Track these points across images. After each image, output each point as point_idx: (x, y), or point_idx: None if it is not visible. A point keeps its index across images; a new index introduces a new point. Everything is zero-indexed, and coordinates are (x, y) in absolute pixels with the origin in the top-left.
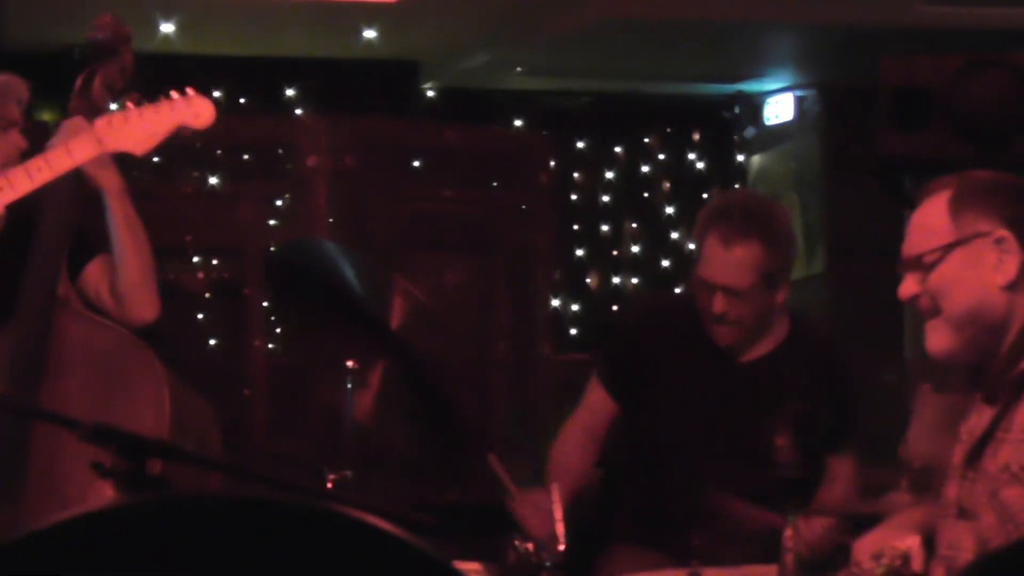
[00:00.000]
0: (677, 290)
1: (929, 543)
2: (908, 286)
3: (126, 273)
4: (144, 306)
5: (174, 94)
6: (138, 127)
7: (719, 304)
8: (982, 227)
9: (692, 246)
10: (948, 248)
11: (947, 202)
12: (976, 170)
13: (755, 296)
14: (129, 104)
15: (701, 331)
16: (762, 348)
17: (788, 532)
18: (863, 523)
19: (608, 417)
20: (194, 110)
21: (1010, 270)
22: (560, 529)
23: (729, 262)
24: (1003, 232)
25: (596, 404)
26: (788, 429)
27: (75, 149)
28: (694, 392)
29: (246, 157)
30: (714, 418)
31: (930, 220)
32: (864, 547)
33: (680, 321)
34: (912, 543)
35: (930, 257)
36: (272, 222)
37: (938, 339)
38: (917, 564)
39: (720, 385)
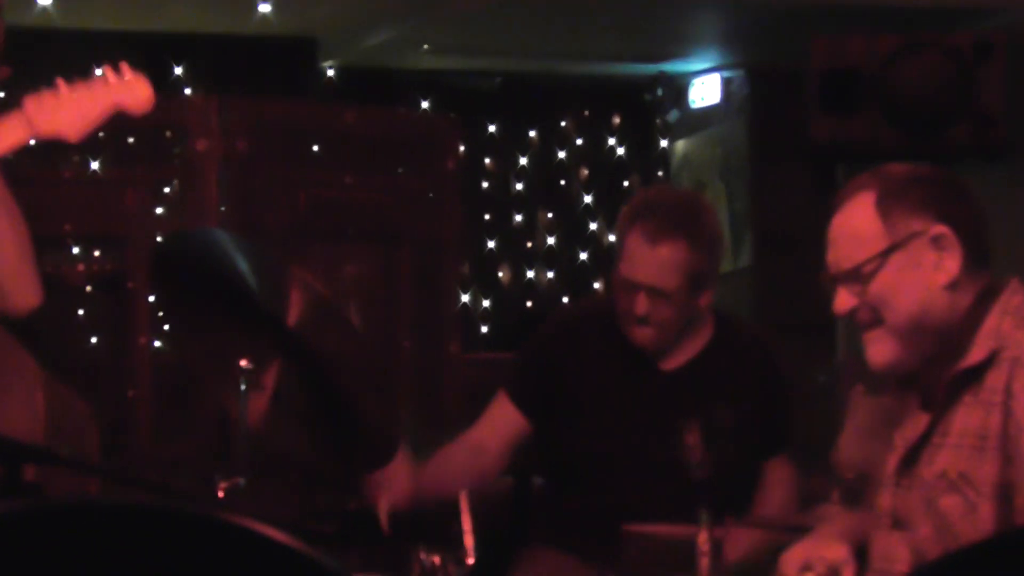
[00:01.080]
0: (596, 291)
1: (861, 555)
2: (844, 300)
3: (4, 257)
4: (26, 291)
5: (108, 72)
6: (71, 109)
7: (642, 305)
8: (915, 226)
9: (613, 239)
10: (885, 255)
11: (873, 204)
12: (893, 164)
13: (680, 298)
14: (59, 81)
15: (622, 338)
16: (685, 353)
17: (703, 536)
18: (791, 535)
19: (511, 435)
20: (132, 92)
21: (951, 267)
22: (469, 541)
23: (654, 261)
24: (939, 228)
25: (499, 421)
26: (696, 426)
27: (3, 134)
28: (615, 402)
29: (131, 140)
30: (637, 428)
31: (858, 226)
32: (792, 559)
33: (598, 329)
34: (843, 554)
35: (868, 267)
36: (159, 210)
37: (882, 350)
38: None
39: (642, 394)
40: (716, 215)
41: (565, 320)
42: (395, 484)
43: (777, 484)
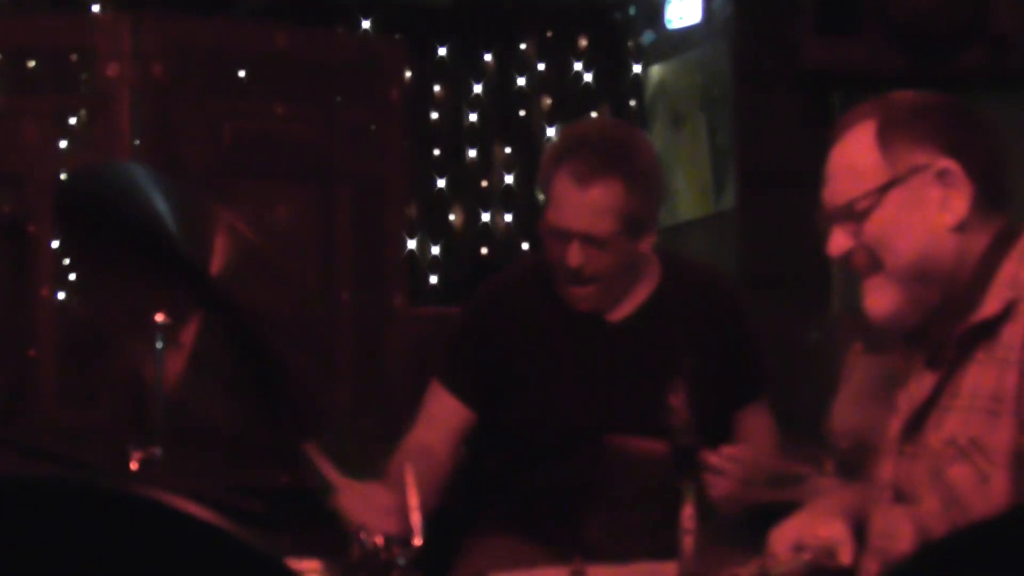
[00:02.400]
0: (524, 252)
1: (860, 532)
2: (839, 241)
3: None
4: None
5: None
6: None
7: (575, 256)
8: (919, 159)
9: (540, 192)
10: (883, 190)
11: (873, 134)
12: (898, 91)
13: (617, 245)
14: None
15: (559, 296)
16: (631, 302)
17: (687, 511)
18: (780, 511)
19: (457, 430)
20: None
21: (959, 207)
22: (416, 520)
23: (585, 204)
24: (946, 162)
25: (440, 416)
26: (683, 386)
27: None
28: (560, 366)
29: (31, 64)
30: (590, 391)
31: (856, 159)
32: (783, 537)
33: (531, 290)
34: (839, 531)
35: (862, 204)
36: (63, 144)
37: (880, 299)
38: (846, 556)
39: (589, 352)
40: (653, 149)
41: (491, 291)
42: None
43: (755, 434)
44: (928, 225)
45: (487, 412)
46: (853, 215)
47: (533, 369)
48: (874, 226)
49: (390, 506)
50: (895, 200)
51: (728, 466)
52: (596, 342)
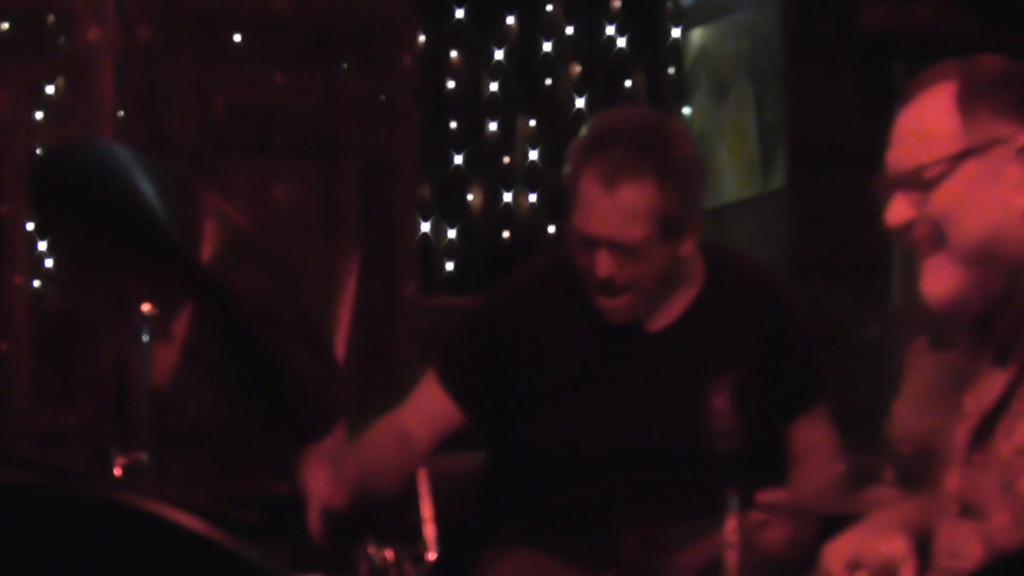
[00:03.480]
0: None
1: (923, 549)
2: (901, 209)
3: None
4: None
5: None
6: None
7: (604, 265)
8: (1002, 131)
9: (566, 189)
10: (957, 158)
11: (953, 97)
12: (985, 55)
13: (651, 252)
14: None
15: (590, 304)
16: (672, 310)
17: (731, 524)
18: (837, 524)
19: (442, 427)
20: None
21: None
22: (430, 532)
23: (613, 208)
24: None
25: (426, 408)
26: (727, 388)
27: None
28: (593, 381)
29: (3, 27)
30: (624, 408)
31: (931, 121)
32: (838, 554)
33: (562, 290)
34: (900, 548)
35: (933, 171)
36: (38, 115)
37: (941, 280)
38: (907, 575)
39: (625, 365)
40: (691, 139)
41: (512, 290)
42: (330, 477)
43: (812, 451)
44: (1002, 204)
45: (494, 421)
46: (920, 182)
47: (559, 382)
48: (942, 197)
49: (346, 478)
50: (969, 171)
51: (770, 517)
52: (632, 354)
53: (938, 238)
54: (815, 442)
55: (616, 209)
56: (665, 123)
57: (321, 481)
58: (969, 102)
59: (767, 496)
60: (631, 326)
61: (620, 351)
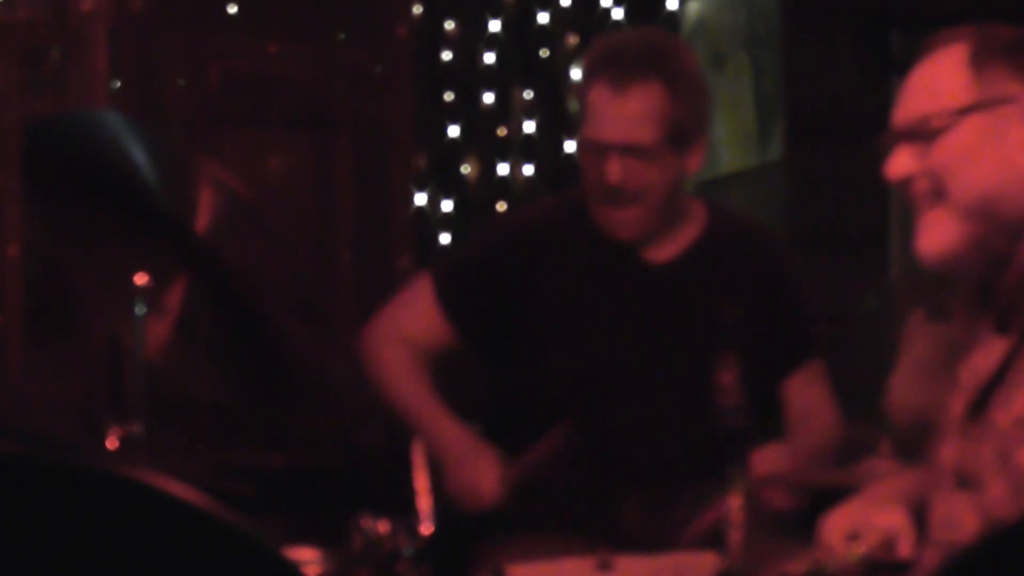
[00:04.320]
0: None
1: (920, 521)
2: (902, 162)
3: None
4: None
5: None
6: None
7: (615, 171)
8: (1012, 89)
9: (575, 107)
10: (964, 111)
11: (966, 55)
12: (995, 24)
13: (661, 158)
14: None
15: (596, 232)
16: (675, 244)
17: (734, 500)
18: (833, 496)
19: (438, 344)
20: None
21: None
22: (425, 505)
23: (623, 112)
24: None
25: (423, 323)
26: (733, 362)
27: None
28: (596, 312)
29: None
30: (626, 339)
31: (940, 76)
32: (836, 525)
33: (568, 226)
34: (898, 520)
35: (938, 122)
36: (32, 87)
37: (938, 234)
38: (905, 547)
39: (627, 296)
40: (696, 58)
41: (525, 220)
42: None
43: (809, 414)
44: (1005, 162)
45: (492, 358)
46: (925, 134)
47: (561, 313)
48: (945, 149)
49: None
50: (975, 126)
51: (766, 490)
52: (635, 285)
53: (937, 193)
54: (812, 404)
55: (626, 113)
56: (672, 38)
57: (492, 481)
58: (981, 60)
59: (763, 463)
60: (634, 257)
61: (622, 283)
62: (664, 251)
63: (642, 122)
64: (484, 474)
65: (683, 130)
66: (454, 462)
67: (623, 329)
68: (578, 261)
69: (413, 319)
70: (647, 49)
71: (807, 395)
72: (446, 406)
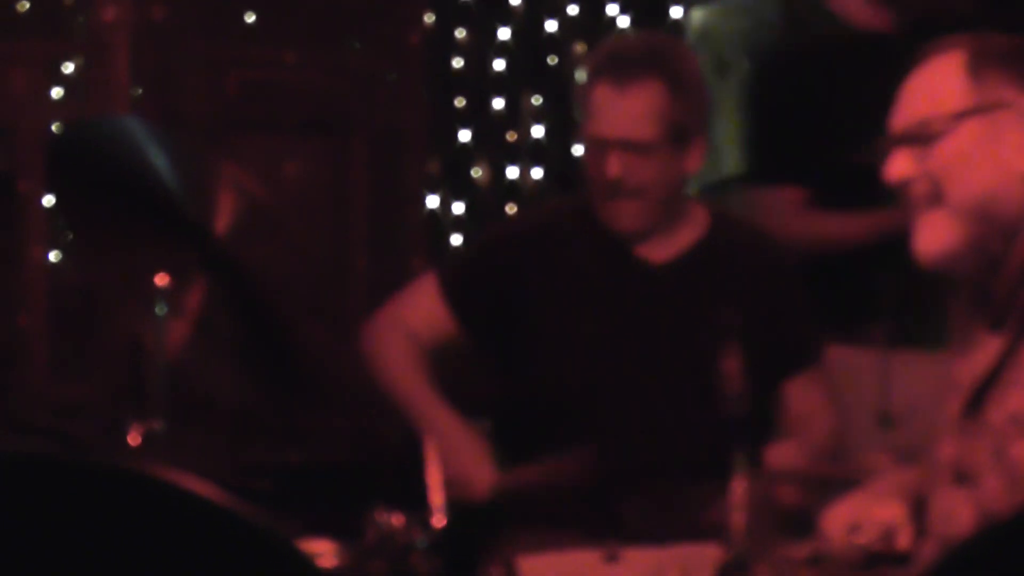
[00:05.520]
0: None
1: (919, 514)
2: (900, 165)
3: None
4: None
5: None
6: None
7: (615, 165)
8: (1008, 95)
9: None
10: (962, 115)
11: (963, 61)
12: (990, 34)
13: (661, 154)
14: None
15: (599, 232)
16: (676, 244)
17: (739, 486)
18: (833, 489)
19: (439, 338)
20: None
21: None
22: (438, 498)
23: (623, 109)
24: None
25: (427, 319)
26: (736, 351)
27: None
28: (597, 312)
29: (22, 7)
30: (627, 340)
31: (938, 82)
32: (837, 518)
33: (573, 227)
34: (897, 514)
35: (937, 126)
36: (56, 93)
37: (935, 236)
38: (904, 540)
39: (629, 296)
40: (695, 56)
41: (532, 221)
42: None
43: (808, 417)
44: (1002, 165)
45: (496, 355)
46: (923, 137)
47: (561, 311)
48: (943, 153)
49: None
50: (972, 130)
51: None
52: (635, 284)
53: (935, 195)
54: (811, 408)
55: (626, 109)
56: (672, 40)
57: (483, 472)
58: (978, 66)
59: (778, 460)
60: (636, 259)
61: (622, 282)
62: (664, 251)
63: (642, 119)
64: (476, 465)
65: (682, 128)
66: (446, 452)
67: (622, 328)
68: (579, 260)
69: (415, 313)
70: (648, 49)
71: (807, 399)
72: (443, 397)
